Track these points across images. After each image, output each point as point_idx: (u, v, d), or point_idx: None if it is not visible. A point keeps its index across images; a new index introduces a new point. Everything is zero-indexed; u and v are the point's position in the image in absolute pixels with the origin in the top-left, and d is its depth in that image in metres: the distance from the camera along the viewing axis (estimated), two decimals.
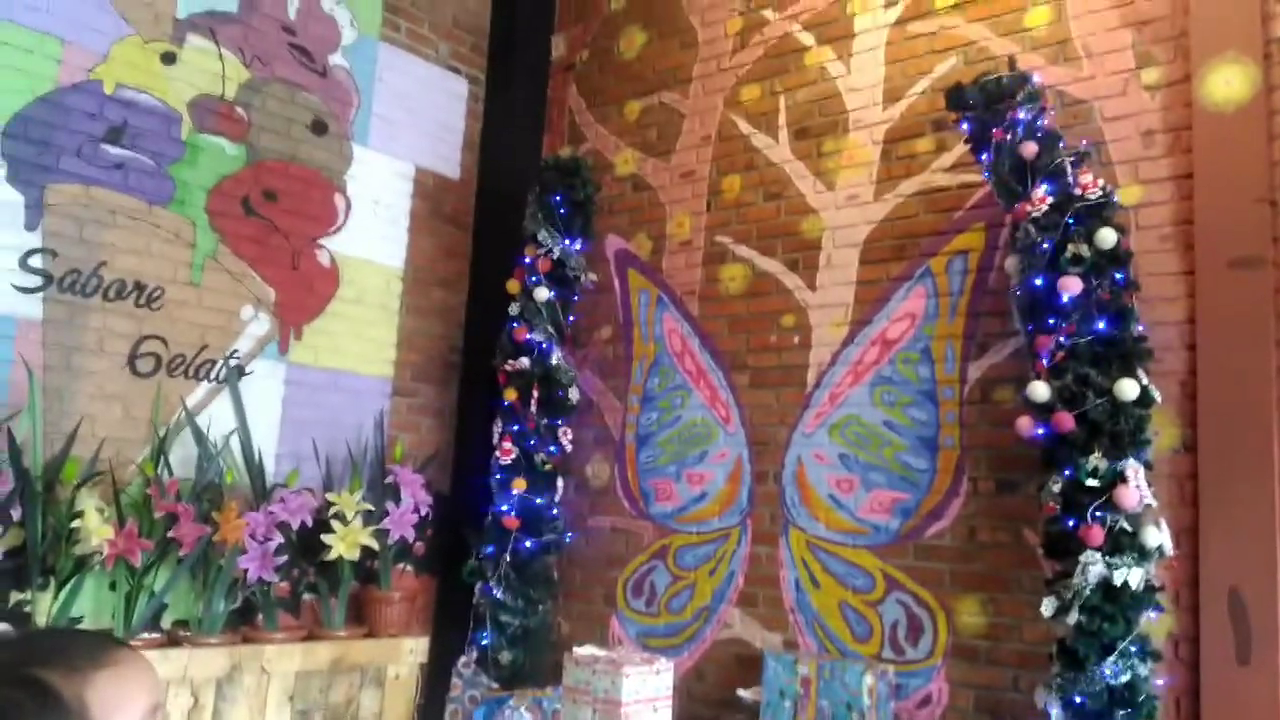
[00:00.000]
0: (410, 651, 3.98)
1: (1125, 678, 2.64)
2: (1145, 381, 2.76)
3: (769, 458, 3.81)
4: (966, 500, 3.32)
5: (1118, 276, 2.84)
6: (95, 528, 3.19)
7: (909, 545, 3.41)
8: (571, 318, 4.34)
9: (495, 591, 3.97)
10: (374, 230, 4.43)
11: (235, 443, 3.84)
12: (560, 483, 4.20)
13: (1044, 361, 2.87)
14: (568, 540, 4.23)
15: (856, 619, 3.48)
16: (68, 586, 3.23)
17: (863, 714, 3.07)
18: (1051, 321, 2.88)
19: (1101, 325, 2.81)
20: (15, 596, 3.17)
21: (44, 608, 3.19)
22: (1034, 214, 2.93)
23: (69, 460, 3.34)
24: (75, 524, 3.20)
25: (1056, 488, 2.79)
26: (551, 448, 4.16)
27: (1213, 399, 2.86)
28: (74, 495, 3.28)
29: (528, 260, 4.23)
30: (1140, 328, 2.84)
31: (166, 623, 3.54)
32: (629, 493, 4.21)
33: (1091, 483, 2.71)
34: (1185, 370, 2.93)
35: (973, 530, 3.29)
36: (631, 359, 4.33)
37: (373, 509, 3.92)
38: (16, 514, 3.15)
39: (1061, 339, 2.84)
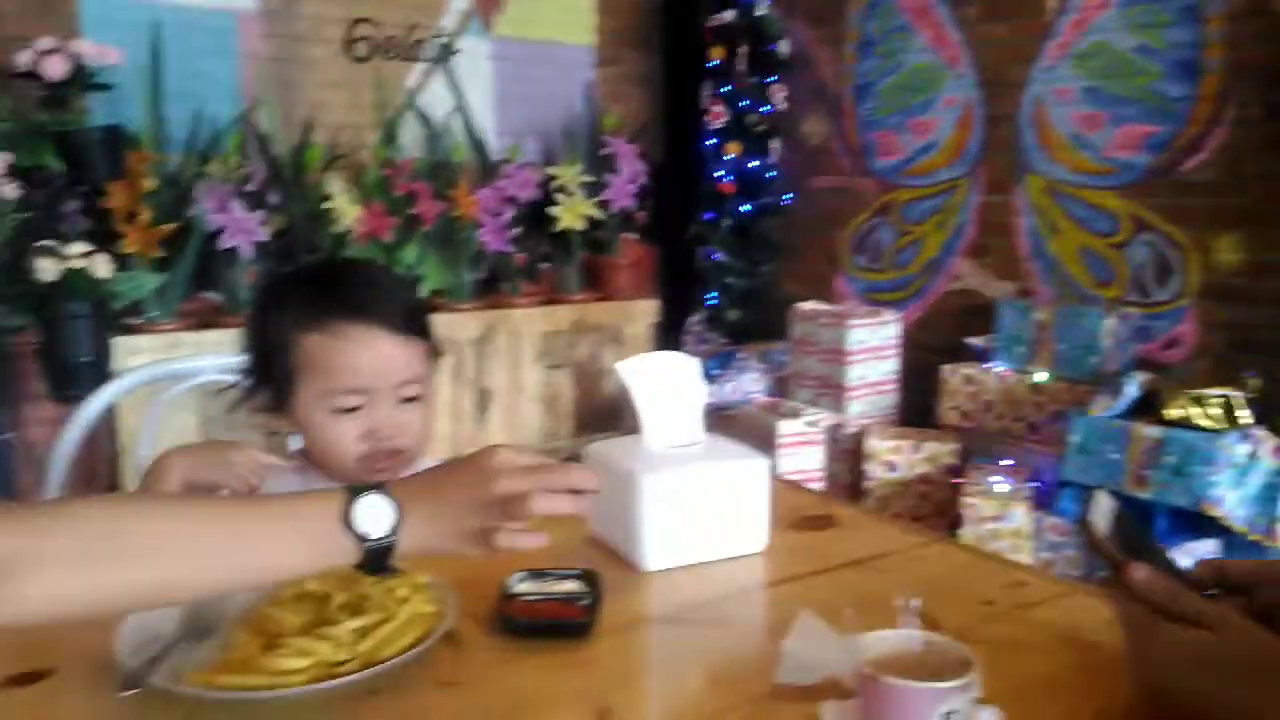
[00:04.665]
0: (643, 312, 4.17)
1: None
2: None
3: (1003, 99, 3.53)
4: (1231, 129, 3.00)
5: None
6: (345, 208, 3.40)
7: (1161, 183, 3.16)
8: None
9: (718, 255, 4.05)
10: None
11: (456, 122, 3.93)
12: (775, 144, 4.10)
13: None
14: (786, 202, 4.19)
15: (1098, 263, 3.33)
16: None
17: (1101, 356, 3.01)
18: None
19: None
20: None
21: None
22: None
23: (310, 147, 3.53)
24: (326, 205, 3.43)
25: None
26: (764, 107, 4.03)
27: None
28: (320, 179, 3.49)
29: None
30: None
31: (424, 292, 3.84)
32: (849, 149, 4.06)
33: None
34: None
35: (1236, 162, 2.99)
36: (845, 1, 4.01)
37: (594, 179, 3.98)
38: (273, 199, 3.39)
39: None
